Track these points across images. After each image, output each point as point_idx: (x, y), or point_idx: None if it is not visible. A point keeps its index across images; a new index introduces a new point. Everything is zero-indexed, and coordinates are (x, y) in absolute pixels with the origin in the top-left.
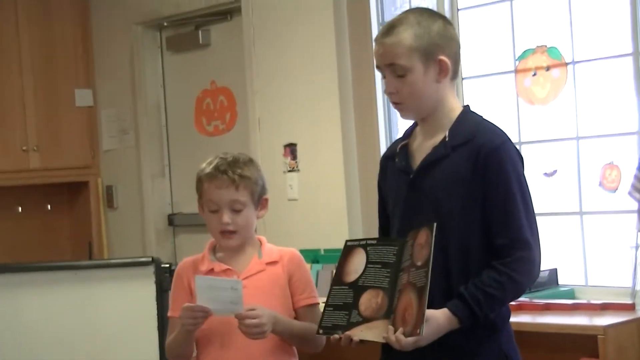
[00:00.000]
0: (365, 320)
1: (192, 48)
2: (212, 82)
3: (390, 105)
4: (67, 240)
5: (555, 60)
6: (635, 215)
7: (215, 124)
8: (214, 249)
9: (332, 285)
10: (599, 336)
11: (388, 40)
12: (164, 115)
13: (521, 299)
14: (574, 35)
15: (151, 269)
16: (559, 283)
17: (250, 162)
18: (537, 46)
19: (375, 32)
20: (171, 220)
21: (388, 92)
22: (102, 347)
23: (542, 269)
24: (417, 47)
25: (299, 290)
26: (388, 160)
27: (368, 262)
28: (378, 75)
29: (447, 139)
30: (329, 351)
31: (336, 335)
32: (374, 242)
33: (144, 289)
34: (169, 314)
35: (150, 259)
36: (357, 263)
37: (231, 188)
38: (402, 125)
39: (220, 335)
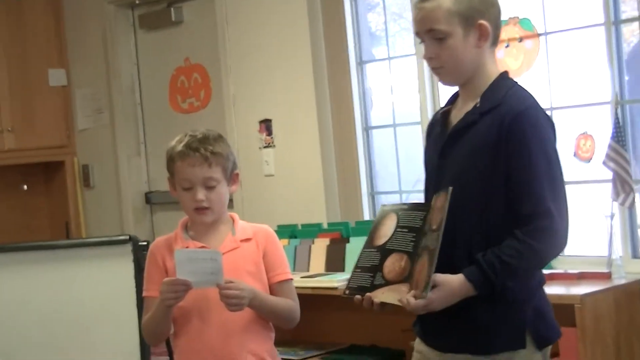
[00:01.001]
0: (388, 283)
1: (165, 26)
2: (186, 60)
3: (365, 78)
4: (44, 220)
5: (527, 32)
6: (610, 184)
7: (190, 101)
8: (186, 227)
9: (363, 248)
10: (575, 305)
11: (427, 5)
12: (138, 94)
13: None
14: (546, 6)
15: (129, 247)
16: None
17: (220, 138)
18: (510, 18)
19: (347, 8)
20: (148, 198)
21: (427, 56)
22: (81, 326)
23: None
24: (457, 11)
25: (274, 266)
26: (431, 126)
27: (397, 226)
28: (352, 50)
29: (478, 105)
30: (307, 326)
31: (359, 297)
32: (406, 206)
33: (122, 267)
34: (144, 293)
35: (127, 237)
36: (388, 227)
37: (204, 165)
38: (377, 100)
39: (199, 311)
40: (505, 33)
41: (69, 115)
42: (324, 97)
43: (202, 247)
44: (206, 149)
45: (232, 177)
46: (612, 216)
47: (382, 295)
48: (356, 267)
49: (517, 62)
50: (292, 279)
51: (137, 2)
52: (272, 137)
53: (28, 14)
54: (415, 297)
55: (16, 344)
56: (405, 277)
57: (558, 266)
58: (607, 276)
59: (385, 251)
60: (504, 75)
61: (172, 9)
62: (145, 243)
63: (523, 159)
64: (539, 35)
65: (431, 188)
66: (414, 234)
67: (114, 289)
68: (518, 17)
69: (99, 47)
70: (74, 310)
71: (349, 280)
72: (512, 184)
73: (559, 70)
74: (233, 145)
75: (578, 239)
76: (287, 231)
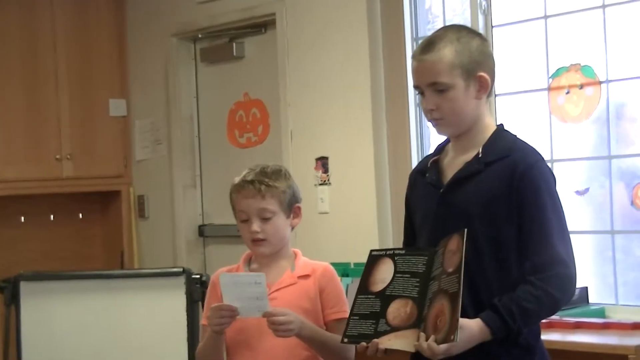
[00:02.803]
0: (394, 329)
1: (226, 60)
2: (245, 94)
3: (424, 119)
4: (99, 249)
5: (589, 79)
6: None
7: (247, 136)
8: (249, 261)
9: (357, 294)
10: (629, 356)
11: (429, 57)
12: (196, 126)
13: (551, 317)
14: (608, 54)
15: (182, 280)
16: (590, 302)
17: (278, 171)
18: (571, 64)
19: (409, 46)
20: (202, 231)
21: (428, 109)
22: (132, 356)
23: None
24: (459, 64)
25: (330, 304)
26: (418, 174)
27: (396, 271)
28: (411, 88)
29: (480, 155)
30: None
31: (363, 344)
32: (402, 251)
33: (174, 299)
34: (202, 321)
35: (181, 270)
36: (385, 272)
37: (257, 197)
38: (435, 139)
39: (248, 339)
40: (566, 79)
41: (127, 145)
42: (381, 135)
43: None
44: (261, 181)
45: (292, 210)
46: None
47: (389, 342)
48: (352, 314)
49: (577, 108)
50: None
51: (199, 36)
52: (328, 175)
53: (93, 44)
54: (439, 341)
55: None
56: (413, 323)
57: (612, 316)
58: None
59: (386, 297)
60: (502, 127)
61: (234, 44)
62: (198, 276)
63: (536, 210)
64: (600, 82)
65: (425, 233)
66: (418, 279)
67: (166, 321)
68: (580, 64)
69: (160, 79)
70: (126, 339)
71: (346, 327)
72: (525, 233)
73: (620, 118)
74: None
75: (633, 288)
76: (339, 269)
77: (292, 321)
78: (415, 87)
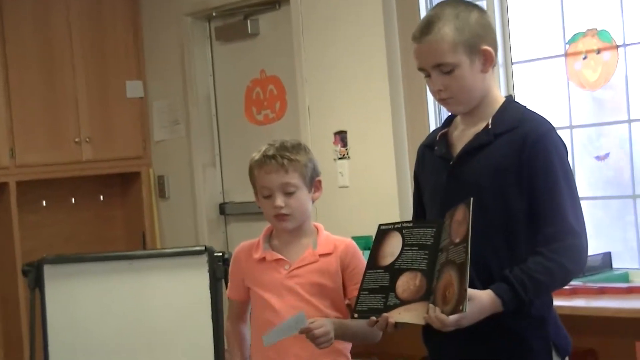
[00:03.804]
0: (403, 302)
1: (241, 38)
2: (262, 72)
3: None
4: (121, 230)
5: (606, 43)
6: None
7: (265, 113)
8: (270, 236)
9: (366, 269)
10: None
11: (430, 39)
12: (214, 105)
13: (575, 283)
14: (625, 18)
15: (204, 258)
16: (613, 267)
17: (298, 145)
18: (588, 29)
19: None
20: (222, 209)
21: (436, 89)
22: (157, 336)
23: (594, 253)
24: (461, 41)
25: (354, 280)
26: (426, 148)
27: (404, 244)
28: None
29: (489, 127)
30: (382, 343)
31: (373, 318)
32: (410, 224)
33: (197, 277)
34: (227, 294)
35: (203, 248)
36: (393, 246)
37: (281, 172)
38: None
39: (273, 320)
40: (583, 45)
41: (146, 126)
42: (399, 108)
43: (280, 259)
44: (283, 155)
45: (313, 183)
46: None
47: (399, 316)
48: (362, 289)
49: (595, 74)
50: None
51: (214, 14)
52: (347, 149)
53: (107, 26)
54: (447, 312)
55: (93, 353)
56: (422, 296)
57: (635, 280)
58: None
59: (395, 271)
60: (511, 99)
61: (248, 21)
62: (220, 254)
63: (548, 180)
64: (617, 47)
65: (435, 207)
66: (426, 252)
67: (190, 300)
68: (596, 29)
69: (176, 60)
70: (150, 319)
71: (356, 303)
72: (536, 203)
73: (638, 82)
74: None
75: None
76: (361, 242)
77: (329, 331)
78: (420, 69)
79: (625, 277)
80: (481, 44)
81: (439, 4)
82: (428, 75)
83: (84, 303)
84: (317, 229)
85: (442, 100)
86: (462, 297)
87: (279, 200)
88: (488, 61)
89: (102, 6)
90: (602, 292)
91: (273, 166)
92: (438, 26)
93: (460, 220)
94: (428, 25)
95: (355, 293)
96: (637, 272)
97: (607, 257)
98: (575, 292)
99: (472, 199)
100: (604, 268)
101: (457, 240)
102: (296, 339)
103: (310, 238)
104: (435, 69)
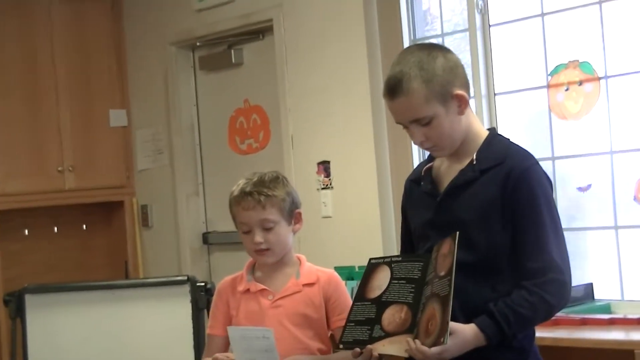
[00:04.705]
0: (388, 334)
1: (225, 67)
2: (245, 101)
3: None
4: (103, 259)
5: (587, 75)
6: None
7: (248, 142)
8: (252, 268)
9: (354, 301)
10: (635, 351)
11: (400, 99)
12: (197, 134)
13: (557, 313)
14: (606, 50)
15: (187, 288)
16: (595, 298)
17: (275, 179)
18: (569, 61)
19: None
20: (206, 238)
21: (418, 142)
22: None
23: (577, 284)
24: (432, 93)
25: (337, 311)
26: (413, 183)
27: (392, 278)
28: None
29: (474, 162)
30: None
31: (357, 349)
32: (399, 258)
33: (180, 307)
34: (208, 331)
35: (185, 278)
36: (381, 279)
37: (258, 208)
38: None
39: None
40: (565, 76)
41: (129, 155)
42: (382, 139)
43: (263, 289)
44: (260, 192)
45: (293, 216)
46: None
47: (383, 347)
48: (349, 320)
49: (577, 105)
50: None
51: (198, 44)
52: (330, 179)
53: (92, 54)
54: (428, 344)
55: None
56: (407, 328)
57: (617, 311)
58: None
59: (381, 304)
60: (494, 133)
61: (232, 51)
62: (202, 283)
63: (532, 215)
64: (599, 78)
65: (423, 242)
66: (413, 285)
67: (172, 329)
68: (578, 61)
69: (160, 89)
70: (133, 348)
71: (342, 333)
72: (520, 238)
73: (619, 113)
74: None
75: (638, 283)
76: (344, 273)
77: None
78: (397, 122)
79: (607, 309)
80: (453, 90)
81: (401, 54)
82: (406, 127)
83: (65, 333)
84: (300, 260)
85: (427, 149)
86: (443, 330)
87: (258, 237)
88: (463, 104)
89: (86, 34)
90: (584, 323)
91: (250, 203)
92: (406, 84)
93: (446, 254)
94: (396, 84)
95: (338, 324)
96: (619, 304)
97: (589, 288)
98: (557, 323)
99: (457, 232)
100: (586, 299)
101: (442, 273)
102: None
103: (294, 268)
104: (413, 123)
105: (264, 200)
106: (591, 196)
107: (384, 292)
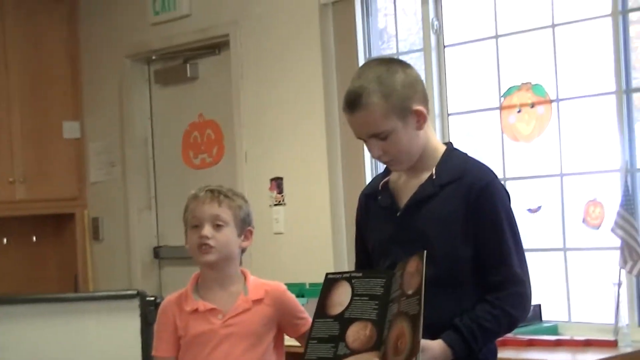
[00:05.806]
0: (354, 352)
1: (180, 81)
2: (200, 115)
3: None
4: (53, 272)
5: (539, 97)
6: (618, 252)
7: (202, 157)
8: (197, 285)
9: (314, 318)
10: None
11: (360, 113)
12: (151, 148)
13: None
14: (559, 73)
15: (136, 302)
16: (543, 319)
17: (237, 192)
18: (522, 83)
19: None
20: (157, 252)
21: (376, 155)
22: None
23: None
24: (390, 108)
25: (294, 320)
26: (369, 197)
27: (354, 294)
28: None
29: (434, 177)
30: None
31: None
32: (359, 274)
33: (129, 322)
34: (153, 352)
35: (135, 292)
36: (342, 295)
37: (214, 203)
38: None
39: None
40: (517, 98)
41: (82, 167)
42: (335, 156)
43: (213, 308)
44: (220, 192)
45: (244, 230)
46: (619, 284)
47: None
48: (311, 338)
49: (529, 127)
50: None
51: (153, 57)
52: (282, 195)
53: (46, 65)
54: None
55: None
56: (373, 346)
57: (565, 333)
58: (613, 344)
59: (344, 321)
60: (451, 147)
61: (187, 65)
62: (152, 298)
63: (494, 228)
64: (551, 101)
65: (383, 258)
66: (377, 302)
67: (121, 344)
68: (531, 83)
69: (114, 101)
70: None
71: (305, 352)
72: (482, 251)
73: (570, 136)
74: None
75: (585, 305)
76: (295, 290)
77: None
78: (357, 136)
79: (554, 330)
80: (411, 105)
81: (361, 68)
82: (365, 141)
83: (14, 345)
84: (244, 275)
85: (384, 163)
86: (416, 349)
87: (206, 230)
88: (421, 119)
89: (41, 45)
90: (531, 344)
91: (207, 197)
92: (365, 98)
93: (413, 272)
94: (355, 99)
95: (302, 331)
96: (566, 325)
97: (537, 309)
98: (505, 344)
99: (425, 251)
100: (533, 320)
101: (410, 292)
102: None
103: (239, 284)
104: (371, 137)
105: (222, 199)
106: (541, 218)
107: (346, 309)
